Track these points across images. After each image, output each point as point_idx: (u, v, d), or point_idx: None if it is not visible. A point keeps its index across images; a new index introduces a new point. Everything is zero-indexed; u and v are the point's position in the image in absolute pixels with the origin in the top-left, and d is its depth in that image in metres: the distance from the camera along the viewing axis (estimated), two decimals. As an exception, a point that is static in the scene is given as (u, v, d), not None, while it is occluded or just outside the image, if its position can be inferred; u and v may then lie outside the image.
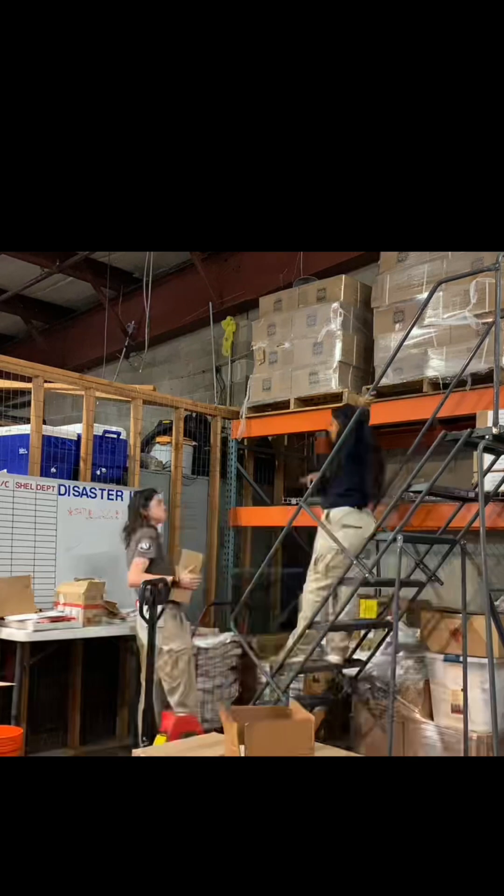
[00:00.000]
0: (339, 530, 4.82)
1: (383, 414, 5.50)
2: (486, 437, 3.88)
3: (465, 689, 4.30)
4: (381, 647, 5.12)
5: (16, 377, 5.48)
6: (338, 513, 4.93)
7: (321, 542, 4.95)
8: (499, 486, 4.61)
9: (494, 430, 3.81)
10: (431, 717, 4.60)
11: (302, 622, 4.84)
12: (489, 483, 4.56)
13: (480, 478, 4.05)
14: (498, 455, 4.46)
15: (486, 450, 4.12)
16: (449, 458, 4.31)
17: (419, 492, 4.25)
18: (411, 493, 4.37)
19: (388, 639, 5.21)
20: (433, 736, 4.53)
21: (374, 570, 4.54)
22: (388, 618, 5.53)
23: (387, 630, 5.19)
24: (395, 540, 4.16)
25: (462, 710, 4.31)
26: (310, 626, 4.69)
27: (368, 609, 4.73)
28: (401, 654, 4.92)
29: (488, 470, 4.51)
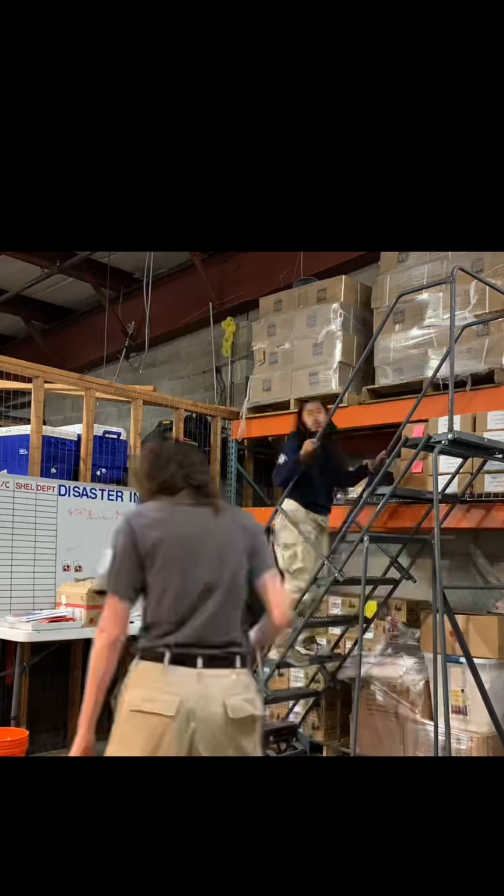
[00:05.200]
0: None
1: (383, 414, 5.50)
2: (443, 441, 4.06)
3: (445, 688, 4.31)
4: (383, 647, 5.13)
5: (16, 377, 5.48)
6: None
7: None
8: (465, 487, 4.75)
9: (449, 436, 3.98)
10: (431, 718, 4.60)
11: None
12: (455, 485, 4.80)
13: (435, 479, 4.19)
14: (464, 458, 4.62)
15: (449, 453, 4.32)
16: (410, 461, 4.55)
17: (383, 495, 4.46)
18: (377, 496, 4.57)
19: (385, 639, 5.23)
20: (433, 736, 4.54)
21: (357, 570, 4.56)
22: (389, 617, 5.54)
23: (387, 630, 5.21)
24: (362, 541, 4.31)
25: (462, 710, 4.32)
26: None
27: (368, 608, 4.75)
28: (401, 654, 4.93)
29: (456, 473, 4.77)
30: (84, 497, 5.39)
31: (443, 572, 4.02)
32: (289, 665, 4.95)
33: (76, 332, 10.15)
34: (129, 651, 2.45)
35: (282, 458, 5.09)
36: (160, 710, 2.30)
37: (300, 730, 5.32)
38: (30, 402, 5.36)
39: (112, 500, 5.59)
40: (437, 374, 5.14)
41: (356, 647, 5.05)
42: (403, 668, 4.74)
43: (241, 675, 2.43)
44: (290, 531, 4.96)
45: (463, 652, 4.13)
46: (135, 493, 5.73)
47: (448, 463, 4.74)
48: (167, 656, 2.36)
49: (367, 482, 5.03)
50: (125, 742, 2.36)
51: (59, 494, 5.23)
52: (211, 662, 2.38)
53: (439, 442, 4.05)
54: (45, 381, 5.42)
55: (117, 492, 5.64)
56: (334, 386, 5.81)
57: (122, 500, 5.64)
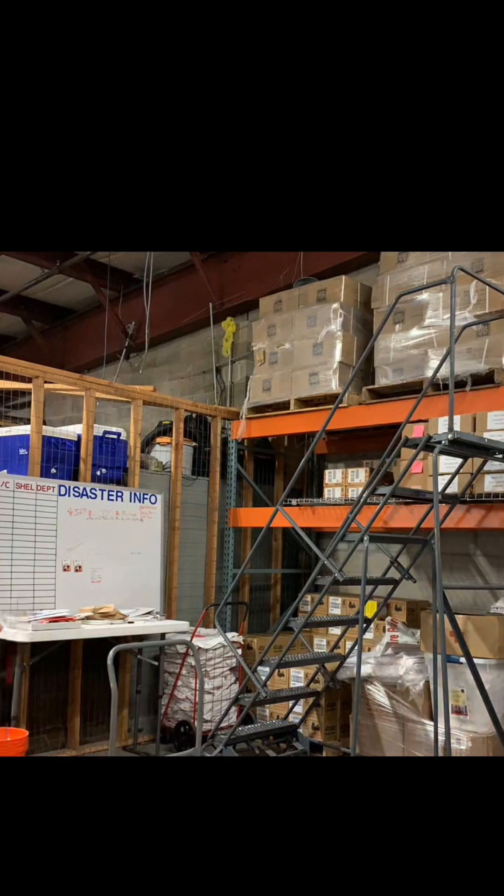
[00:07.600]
0: None
1: (383, 414, 5.51)
2: (443, 441, 4.07)
3: (445, 688, 4.30)
4: (383, 647, 5.13)
5: (16, 377, 5.48)
6: None
7: None
8: (466, 487, 4.75)
9: (450, 436, 3.98)
10: (431, 718, 4.60)
11: None
12: (455, 485, 4.80)
13: (435, 479, 4.19)
14: (464, 458, 4.64)
15: (449, 453, 4.30)
16: (410, 461, 4.53)
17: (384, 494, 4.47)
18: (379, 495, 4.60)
19: (385, 639, 5.23)
20: (433, 736, 4.54)
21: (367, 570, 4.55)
22: (389, 617, 5.55)
23: (386, 630, 5.21)
24: (362, 540, 4.34)
25: (462, 710, 4.32)
26: (286, 625, 4.79)
27: (368, 608, 4.76)
28: (401, 654, 4.93)
29: (456, 473, 4.77)
30: (84, 497, 5.39)
31: (443, 572, 4.03)
32: (288, 665, 4.96)
33: (76, 332, 10.15)
34: None
35: None
36: None
37: (300, 730, 5.32)
38: (30, 402, 5.36)
39: (112, 500, 5.59)
40: (437, 374, 5.14)
41: (356, 647, 5.07)
42: (403, 668, 4.74)
43: None
44: None
45: (463, 652, 4.13)
46: (135, 494, 5.74)
47: (448, 463, 4.75)
48: None
49: (368, 482, 5.04)
50: None
51: (59, 494, 5.23)
52: None
53: (439, 442, 4.07)
54: (45, 381, 5.42)
55: (117, 492, 5.64)
56: (334, 386, 5.82)
57: (122, 500, 5.64)
